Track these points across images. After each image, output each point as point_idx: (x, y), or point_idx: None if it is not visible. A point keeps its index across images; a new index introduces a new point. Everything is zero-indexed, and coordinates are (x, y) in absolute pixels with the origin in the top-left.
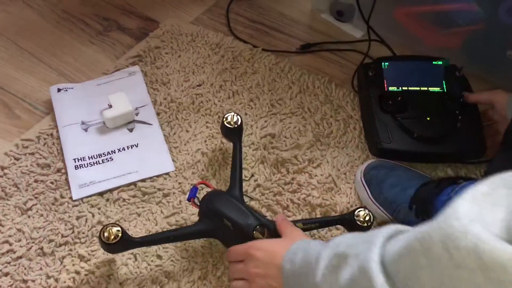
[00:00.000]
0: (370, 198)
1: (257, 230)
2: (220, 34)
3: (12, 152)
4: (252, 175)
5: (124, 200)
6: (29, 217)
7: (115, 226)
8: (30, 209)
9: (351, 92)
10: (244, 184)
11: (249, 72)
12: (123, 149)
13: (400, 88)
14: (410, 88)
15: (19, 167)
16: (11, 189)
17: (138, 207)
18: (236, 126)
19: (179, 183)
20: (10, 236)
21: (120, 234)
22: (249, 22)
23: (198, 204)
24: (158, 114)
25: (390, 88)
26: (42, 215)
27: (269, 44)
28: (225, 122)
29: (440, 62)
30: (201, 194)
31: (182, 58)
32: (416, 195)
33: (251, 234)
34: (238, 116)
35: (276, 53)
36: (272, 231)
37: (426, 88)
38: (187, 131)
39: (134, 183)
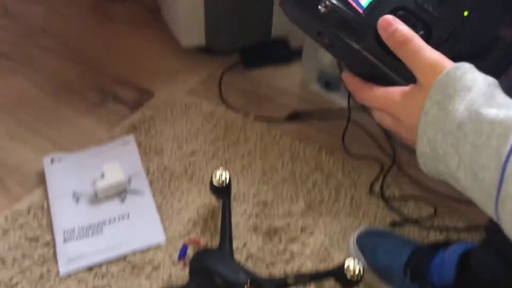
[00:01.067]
0: (366, 266)
1: (248, 286)
2: (213, 103)
3: (1, 224)
4: (245, 245)
5: (112, 275)
6: None
7: None
8: (15, 285)
9: (341, 158)
10: (236, 255)
11: (242, 140)
12: (114, 220)
13: None
14: None
15: (7, 240)
16: None
17: (127, 282)
18: (224, 185)
19: (170, 255)
20: None
21: None
22: (241, 91)
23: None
24: (151, 183)
25: (365, 4)
26: None
27: (261, 113)
28: (213, 181)
29: None
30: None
31: (176, 127)
32: (410, 260)
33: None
34: (227, 173)
35: (268, 121)
36: None
37: None
38: (179, 200)
39: (124, 257)
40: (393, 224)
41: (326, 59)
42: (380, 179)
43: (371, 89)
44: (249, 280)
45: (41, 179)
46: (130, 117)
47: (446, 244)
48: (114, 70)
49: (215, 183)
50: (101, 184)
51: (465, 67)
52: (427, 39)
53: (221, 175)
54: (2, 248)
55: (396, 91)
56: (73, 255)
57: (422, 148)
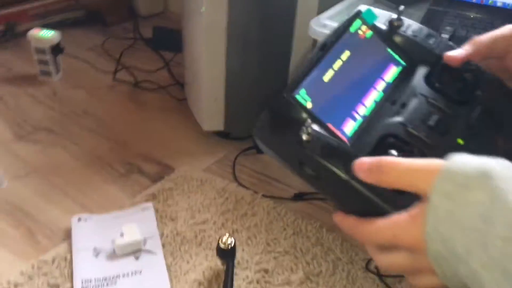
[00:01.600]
0: None
1: None
2: (226, 180)
3: (27, 271)
4: None
5: None
6: None
7: None
8: None
9: (340, 237)
10: None
11: (249, 214)
12: (128, 274)
13: (358, 117)
14: (367, 114)
15: (31, 285)
16: None
17: None
18: (229, 248)
19: None
20: None
21: None
22: (253, 172)
23: None
24: (163, 245)
25: (349, 133)
26: None
27: (269, 192)
28: (220, 243)
29: (358, 23)
30: None
31: (191, 199)
32: None
33: None
34: (232, 239)
35: (274, 199)
36: None
37: (384, 86)
38: (187, 262)
39: None
40: None
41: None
42: None
43: (372, 223)
44: None
45: (67, 235)
46: (151, 188)
47: None
48: (141, 147)
49: (221, 245)
50: (120, 241)
51: (467, 157)
52: None
53: (227, 239)
54: None
55: (402, 216)
56: None
57: (434, 246)
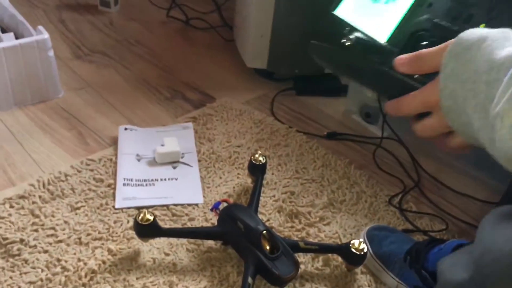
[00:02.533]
0: (370, 253)
1: (264, 234)
2: (264, 114)
3: (77, 165)
4: (268, 220)
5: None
6: (76, 214)
7: (150, 214)
8: (78, 208)
9: (367, 174)
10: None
11: (282, 144)
12: (165, 179)
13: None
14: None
15: (79, 177)
16: (68, 192)
17: (166, 224)
18: (260, 163)
19: (204, 213)
20: (57, 225)
21: (151, 219)
22: (290, 110)
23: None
24: (199, 160)
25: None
26: (87, 214)
27: (303, 129)
28: (252, 159)
29: None
30: None
31: (229, 126)
32: (411, 248)
33: (259, 236)
34: (264, 157)
35: (308, 135)
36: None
37: None
38: (220, 177)
39: (167, 206)
40: (405, 231)
41: (369, 93)
42: (400, 196)
43: (408, 95)
44: (266, 230)
45: (114, 142)
46: (192, 112)
47: (444, 240)
48: (187, 77)
49: (253, 160)
50: (160, 150)
51: (476, 29)
52: None
53: (259, 156)
54: (74, 181)
55: (427, 84)
56: (128, 195)
57: (446, 102)
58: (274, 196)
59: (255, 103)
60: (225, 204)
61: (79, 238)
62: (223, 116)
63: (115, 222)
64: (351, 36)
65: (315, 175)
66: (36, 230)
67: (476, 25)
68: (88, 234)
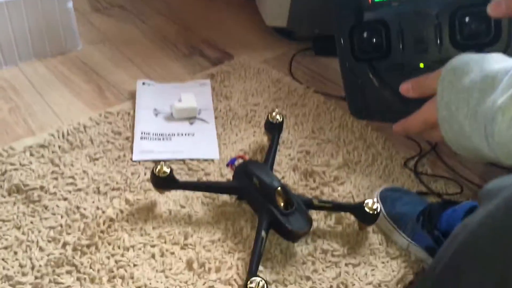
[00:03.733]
0: (383, 213)
1: (279, 190)
2: (281, 73)
3: (95, 118)
4: (283, 178)
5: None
6: (95, 164)
7: (167, 167)
8: (97, 159)
9: (384, 136)
10: None
11: (299, 104)
12: (182, 134)
13: None
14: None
15: (98, 129)
16: (87, 142)
17: (182, 178)
18: (277, 122)
19: (220, 168)
20: (76, 174)
21: (168, 172)
22: (308, 70)
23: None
24: (216, 117)
25: None
26: (105, 165)
27: (322, 90)
28: (269, 117)
29: None
30: None
31: (246, 84)
32: (425, 209)
33: (273, 192)
34: (281, 116)
35: (326, 95)
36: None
37: None
38: (236, 134)
39: (183, 160)
40: (419, 193)
41: None
42: (416, 158)
43: (410, 118)
44: (281, 186)
45: (132, 96)
46: (210, 69)
47: (460, 203)
48: (205, 34)
49: (270, 119)
50: (178, 105)
51: (470, 53)
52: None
53: (276, 115)
54: (93, 133)
55: (426, 104)
56: (145, 149)
57: (441, 113)
58: (289, 155)
59: (274, 62)
60: (241, 161)
61: (98, 188)
62: (241, 74)
63: (132, 173)
64: None
65: (331, 135)
66: (55, 178)
67: None
68: (106, 184)
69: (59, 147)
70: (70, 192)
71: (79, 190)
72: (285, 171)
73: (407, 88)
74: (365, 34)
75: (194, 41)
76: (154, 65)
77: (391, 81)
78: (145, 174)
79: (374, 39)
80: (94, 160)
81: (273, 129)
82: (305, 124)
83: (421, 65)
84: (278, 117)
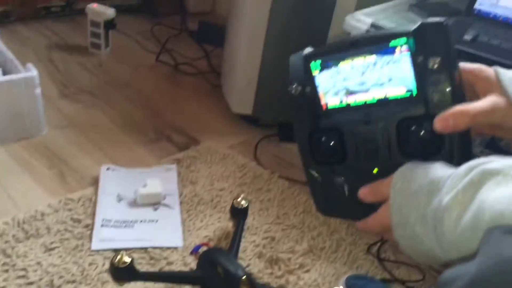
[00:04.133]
0: None
1: (244, 279)
2: (247, 159)
3: (54, 205)
4: (247, 266)
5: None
6: (50, 255)
7: (128, 256)
8: (53, 249)
9: (348, 221)
10: None
11: (264, 189)
12: (145, 221)
13: (344, 102)
14: (352, 105)
15: (56, 216)
16: (43, 231)
17: (143, 268)
18: (242, 207)
19: (183, 257)
20: (29, 266)
21: (128, 262)
22: (273, 156)
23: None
24: (181, 203)
25: (330, 106)
26: (61, 256)
27: (286, 174)
28: (234, 203)
29: (403, 40)
30: None
31: (212, 169)
32: None
33: (238, 282)
34: (246, 201)
35: (290, 181)
36: None
37: (382, 97)
38: (201, 220)
39: (145, 248)
40: (383, 280)
41: None
42: (379, 244)
43: (369, 219)
44: (246, 275)
45: (95, 182)
46: (176, 154)
47: None
48: (173, 120)
49: (235, 204)
50: (142, 191)
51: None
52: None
53: (241, 200)
54: (51, 220)
55: (381, 207)
56: (105, 237)
57: (395, 218)
58: (254, 241)
59: (239, 147)
60: (205, 248)
61: (51, 281)
62: (207, 159)
63: (90, 264)
64: (298, 90)
65: (296, 221)
66: (6, 271)
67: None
68: (61, 277)
69: (13, 236)
70: (20, 286)
71: (31, 283)
72: (250, 259)
73: (364, 194)
74: (322, 140)
75: (162, 126)
76: (121, 150)
77: (350, 183)
78: (103, 264)
79: (331, 145)
80: (50, 250)
81: (238, 214)
82: (270, 210)
83: (375, 170)
84: (243, 202)
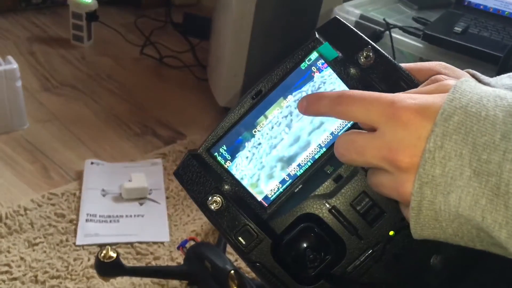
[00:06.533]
0: None
1: (232, 274)
2: None
3: (37, 199)
4: (236, 260)
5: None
6: (33, 250)
7: (113, 251)
8: (36, 244)
9: None
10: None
11: None
12: (130, 216)
13: (287, 178)
14: (300, 174)
15: (39, 211)
16: (26, 226)
17: (129, 263)
18: None
19: (170, 252)
20: (12, 261)
21: (114, 257)
22: None
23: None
24: (167, 198)
25: (271, 196)
26: (45, 251)
27: None
28: None
29: (313, 55)
30: None
31: None
32: None
33: (226, 276)
34: None
35: None
36: (248, 286)
37: (330, 138)
38: (188, 215)
39: (131, 243)
40: None
41: None
42: None
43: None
44: (234, 270)
45: (79, 176)
46: (162, 148)
47: None
48: (158, 113)
49: None
50: (127, 185)
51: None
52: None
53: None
54: (34, 216)
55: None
56: (90, 232)
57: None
58: None
59: None
60: (192, 243)
61: (35, 276)
62: None
63: (75, 259)
64: (219, 199)
65: None
66: None
67: (384, 230)
68: (45, 272)
69: None
70: (4, 281)
71: (14, 279)
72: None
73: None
74: (294, 248)
75: (147, 120)
76: (105, 144)
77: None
78: (89, 260)
79: (309, 246)
80: (34, 245)
81: None
82: None
83: (391, 232)
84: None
